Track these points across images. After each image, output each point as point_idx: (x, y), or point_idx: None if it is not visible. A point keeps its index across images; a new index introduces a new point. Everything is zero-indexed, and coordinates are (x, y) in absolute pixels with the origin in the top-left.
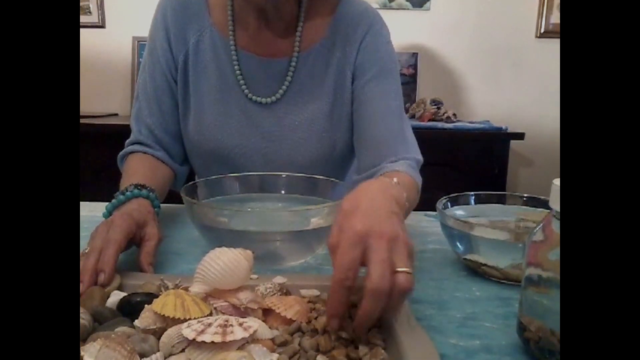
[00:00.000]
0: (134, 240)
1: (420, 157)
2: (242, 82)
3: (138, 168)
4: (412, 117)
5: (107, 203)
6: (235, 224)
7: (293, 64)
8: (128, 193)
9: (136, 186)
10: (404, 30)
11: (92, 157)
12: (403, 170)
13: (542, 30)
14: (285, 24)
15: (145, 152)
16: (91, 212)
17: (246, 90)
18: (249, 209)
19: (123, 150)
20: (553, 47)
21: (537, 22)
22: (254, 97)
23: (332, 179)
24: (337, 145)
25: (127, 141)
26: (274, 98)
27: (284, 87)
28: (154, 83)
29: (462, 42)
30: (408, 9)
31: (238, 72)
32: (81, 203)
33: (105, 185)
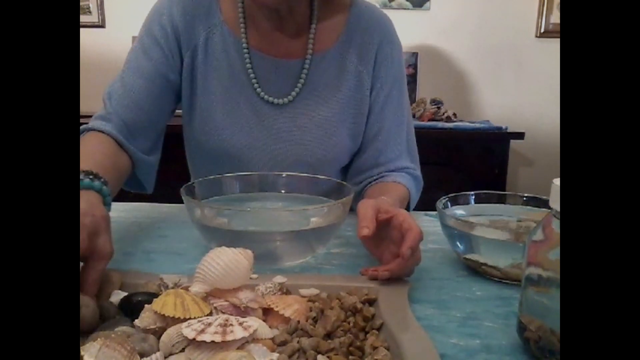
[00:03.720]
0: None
1: (420, 175)
2: (254, 81)
3: (96, 151)
4: (412, 116)
5: None
6: (235, 224)
7: (307, 65)
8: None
9: (87, 174)
10: (404, 30)
11: None
12: (402, 182)
13: (542, 30)
14: (297, 25)
15: (109, 134)
16: None
17: (259, 89)
18: (249, 209)
19: (88, 124)
20: (553, 47)
21: (537, 22)
22: (266, 97)
23: (332, 179)
24: (346, 149)
25: (96, 115)
26: (286, 99)
27: (297, 88)
28: (145, 79)
29: (462, 41)
30: (408, 8)
31: (250, 71)
32: None
33: None
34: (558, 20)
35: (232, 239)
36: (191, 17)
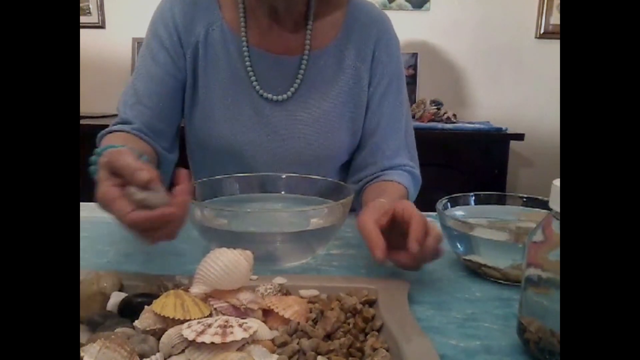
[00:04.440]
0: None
1: (418, 173)
2: (253, 78)
3: (116, 142)
4: (412, 117)
5: None
6: (235, 225)
7: (304, 62)
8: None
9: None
10: (404, 30)
11: None
12: (400, 181)
13: (542, 31)
14: (295, 22)
15: (130, 133)
16: (91, 213)
17: (257, 87)
18: (249, 210)
19: (107, 129)
20: (553, 48)
21: (537, 22)
22: (265, 94)
23: (332, 180)
24: (345, 145)
25: (112, 123)
26: (285, 96)
27: (295, 84)
28: (156, 83)
29: (462, 42)
30: (408, 9)
31: (249, 68)
32: (81, 203)
33: None
34: (558, 21)
35: (232, 240)
36: (191, 15)
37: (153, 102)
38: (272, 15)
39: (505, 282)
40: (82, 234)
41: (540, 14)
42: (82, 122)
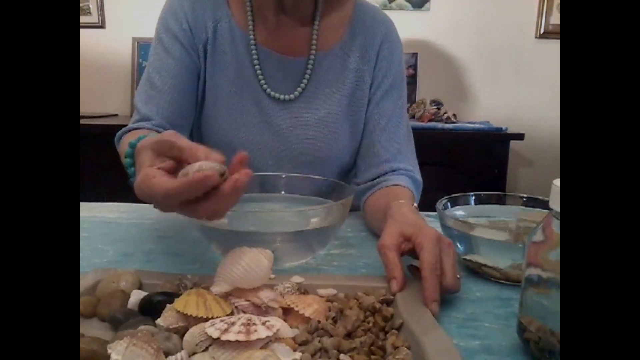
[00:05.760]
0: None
1: (420, 178)
2: (261, 77)
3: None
4: (412, 117)
5: (107, 203)
6: (235, 225)
7: (311, 62)
8: (132, 145)
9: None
10: (404, 30)
11: (92, 157)
12: (405, 185)
13: (542, 31)
14: (302, 20)
15: (152, 129)
16: (91, 212)
17: (265, 86)
18: (249, 210)
19: (126, 127)
20: (553, 48)
21: (537, 22)
22: (272, 93)
23: (332, 179)
24: (347, 146)
25: (132, 120)
26: (292, 96)
27: (302, 85)
28: (172, 77)
29: (462, 42)
30: (408, 9)
31: (257, 67)
32: (81, 203)
33: (105, 186)
34: (558, 21)
35: (232, 239)
36: (200, 10)
37: (172, 96)
38: (280, 13)
39: (505, 282)
40: (82, 233)
41: (540, 14)
42: (82, 122)
